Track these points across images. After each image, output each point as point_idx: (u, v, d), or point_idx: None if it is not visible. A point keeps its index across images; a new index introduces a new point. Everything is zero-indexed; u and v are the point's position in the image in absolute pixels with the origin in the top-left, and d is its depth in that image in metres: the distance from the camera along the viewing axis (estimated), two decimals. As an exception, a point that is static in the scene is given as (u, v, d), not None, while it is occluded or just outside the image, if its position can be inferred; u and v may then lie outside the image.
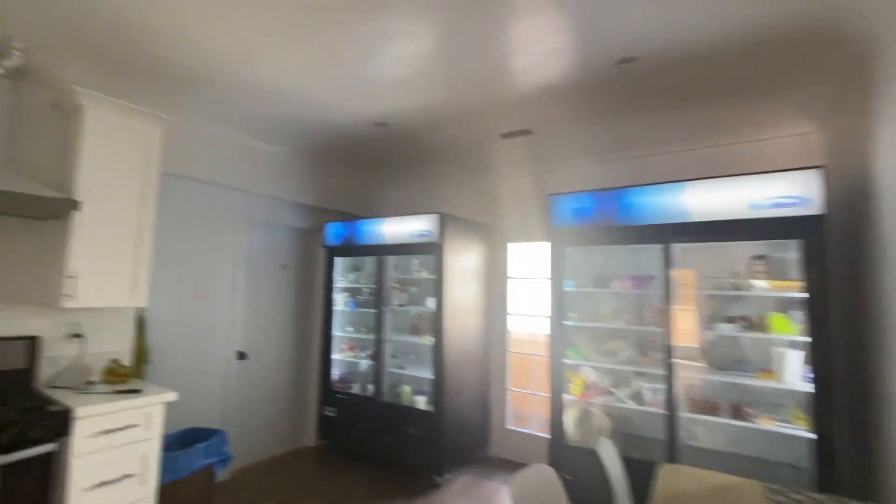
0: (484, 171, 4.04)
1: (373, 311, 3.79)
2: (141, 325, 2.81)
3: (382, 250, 3.73)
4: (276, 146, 3.61)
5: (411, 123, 3.07)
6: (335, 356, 4.02)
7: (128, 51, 2.20)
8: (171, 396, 2.27)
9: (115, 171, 2.34)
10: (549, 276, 3.08)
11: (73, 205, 2.10)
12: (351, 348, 4.09)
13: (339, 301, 4.07)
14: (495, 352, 3.94)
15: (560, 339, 3.01)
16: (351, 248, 3.93)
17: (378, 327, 3.74)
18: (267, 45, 2.13)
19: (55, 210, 2.09)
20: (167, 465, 2.37)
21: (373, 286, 3.84)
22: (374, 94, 2.64)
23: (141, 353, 2.77)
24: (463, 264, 3.63)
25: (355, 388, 3.84)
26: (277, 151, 3.68)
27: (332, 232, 4.02)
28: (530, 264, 3.96)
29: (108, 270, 2.29)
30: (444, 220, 3.43)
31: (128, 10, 1.88)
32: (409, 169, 4.18)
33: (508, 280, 3.99)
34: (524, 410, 3.91)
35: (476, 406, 3.71)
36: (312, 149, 3.70)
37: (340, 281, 4.11)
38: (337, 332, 4.04)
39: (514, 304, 3.97)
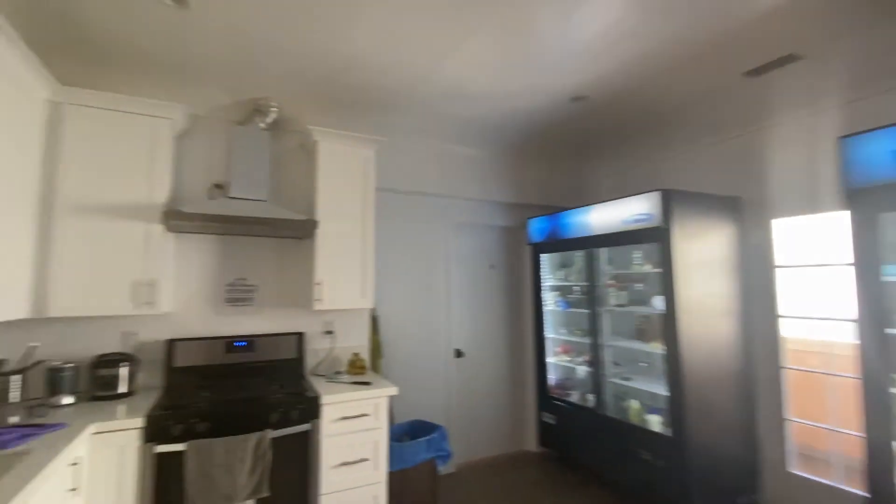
0: (724, 128, 3.11)
1: (586, 311, 3.38)
2: (375, 323, 3.21)
3: (590, 242, 3.28)
4: (473, 149, 3.64)
5: (615, 88, 2.57)
6: (550, 360, 3.77)
7: (344, 87, 2.50)
8: (393, 391, 2.46)
9: (342, 192, 2.72)
10: (853, 261, 2.06)
11: (314, 224, 2.51)
12: (566, 352, 3.77)
13: (549, 301, 3.81)
14: (762, 367, 2.94)
15: (880, 354, 1.97)
16: (555, 243, 3.62)
17: (594, 330, 3.30)
18: (445, 46, 2.07)
19: (306, 230, 2.54)
20: (395, 454, 2.58)
21: (584, 284, 3.43)
22: (563, 64, 2.29)
23: (376, 349, 3.16)
24: (702, 252, 2.84)
25: (573, 397, 3.50)
26: (476, 154, 3.70)
27: (535, 227, 3.80)
28: (813, 246, 2.80)
29: (342, 277, 2.67)
30: (669, 199, 2.75)
31: (342, 50, 2.11)
32: (620, 145, 3.59)
33: (776, 270, 2.93)
34: (817, 449, 2.78)
35: (736, 436, 2.84)
36: (508, 144, 3.57)
37: (548, 279, 3.85)
38: (549, 333, 3.79)
39: (789, 303, 2.88)
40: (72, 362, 2.13)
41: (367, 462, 2.34)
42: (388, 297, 3.38)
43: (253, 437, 2.03)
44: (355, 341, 3.01)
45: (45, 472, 1.37)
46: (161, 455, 1.91)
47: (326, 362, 2.88)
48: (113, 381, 2.20)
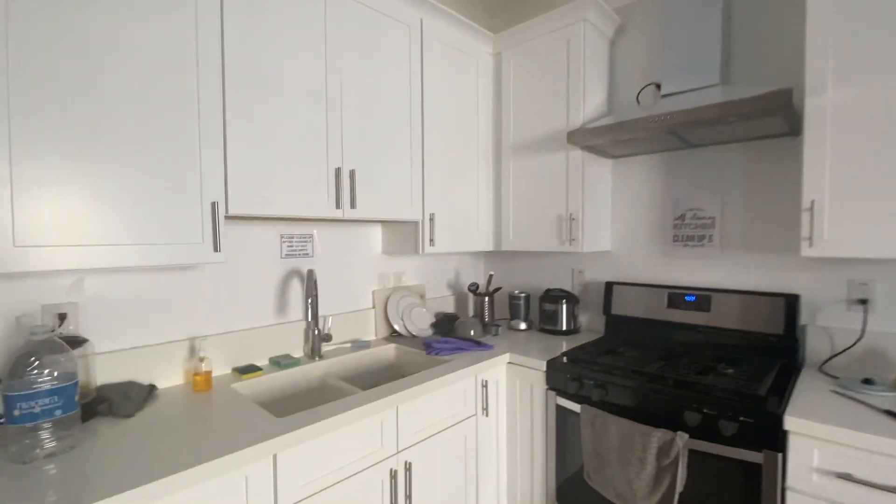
0: None
1: None
2: None
3: None
4: None
5: None
6: None
7: None
8: None
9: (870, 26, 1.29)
10: None
11: (789, 96, 1.35)
12: None
13: None
14: None
15: None
16: None
17: None
18: None
19: (782, 114, 1.42)
20: None
21: None
22: None
23: None
24: None
25: None
26: None
27: None
28: None
29: (865, 194, 1.30)
30: None
31: None
32: None
33: None
34: None
35: None
36: None
37: None
38: None
39: None
40: (525, 292, 2.33)
41: None
42: None
43: (656, 435, 1.39)
44: (939, 328, 1.44)
45: (441, 379, 1.53)
46: (560, 407, 1.70)
47: (849, 356, 1.56)
48: (554, 315, 2.20)
